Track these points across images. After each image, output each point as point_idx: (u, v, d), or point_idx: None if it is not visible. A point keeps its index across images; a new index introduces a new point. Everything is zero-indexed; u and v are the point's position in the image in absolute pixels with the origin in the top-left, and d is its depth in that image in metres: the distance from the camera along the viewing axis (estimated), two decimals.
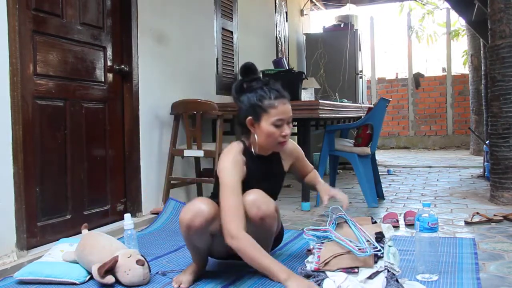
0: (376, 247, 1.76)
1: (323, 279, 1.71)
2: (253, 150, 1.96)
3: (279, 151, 2.04)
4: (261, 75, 1.98)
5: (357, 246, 1.74)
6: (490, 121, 3.59)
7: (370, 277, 1.70)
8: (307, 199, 3.49)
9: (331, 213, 1.95)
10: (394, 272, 1.74)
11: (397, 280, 1.72)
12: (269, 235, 1.97)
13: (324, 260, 1.75)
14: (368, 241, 1.78)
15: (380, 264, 1.74)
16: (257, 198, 1.86)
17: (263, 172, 1.98)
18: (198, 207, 1.80)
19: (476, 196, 3.80)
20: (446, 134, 8.95)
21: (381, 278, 1.70)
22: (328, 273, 1.73)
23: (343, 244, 1.76)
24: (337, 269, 1.72)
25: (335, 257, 1.75)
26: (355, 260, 1.72)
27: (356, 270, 1.71)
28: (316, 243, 1.84)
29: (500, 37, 3.41)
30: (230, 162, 1.87)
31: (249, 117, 1.92)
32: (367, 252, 1.71)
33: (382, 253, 1.77)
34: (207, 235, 1.84)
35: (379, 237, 1.82)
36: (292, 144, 2.14)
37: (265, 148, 1.96)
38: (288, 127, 1.92)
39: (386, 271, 1.73)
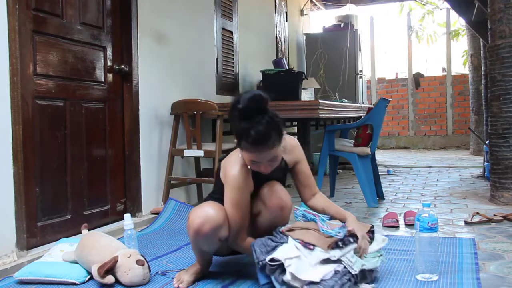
0: (342, 238, 1.77)
1: (282, 243, 1.77)
2: None
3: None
4: (267, 105, 1.78)
5: (328, 228, 1.80)
6: (490, 121, 3.59)
7: (322, 262, 1.72)
8: None
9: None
10: (351, 271, 1.73)
11: (351, 280, 1.72)
12: (282, 225, 1.97)
13: (291, 227, 1.84)
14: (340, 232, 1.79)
15: (335, 253, 1.73)
16: (279, 189, 1.91)
17: (268, 176, 1.91)
18: (207, 212, 1.79)
19: (476, 196, 3.80)
20: (446, 134, 8.95)
21: (330, 268, 1.71)
22: (290, 241, 1.77)
23: (317, 222, 1.83)
24: (297, 239, 1.76)
25: (302, 229, 1.82)
26: (317, 239, 1.76)
27: (311, 247, 1.74)
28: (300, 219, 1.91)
29: (500, 37, 3.41)
30: (240, 179, 1.82)
31: (235, 137, 1.83)
32: (331, 233, 1.77)
33: (344, 245, 1.77)
34: (215, 240, 1.84)
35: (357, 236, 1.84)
36: (293, 142, 2.03)
37: None
38: (268, 163, 1.76)
39: (341, 265, 1.73)
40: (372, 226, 1.97)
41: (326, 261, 1.72)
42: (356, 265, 1.75)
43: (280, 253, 1.71)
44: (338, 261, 1.74)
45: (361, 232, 1.83)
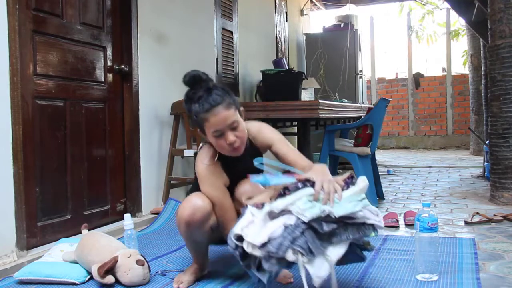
0: (287, 186, 1.58)
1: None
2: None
3: (239, 153, 1.81)
4: (213, 80, 1.82)
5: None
6: (490, 121, 3.59)
7: (272, 219, 1.55)
8: None
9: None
10: (301, 218, 1.50)
11: (307, 232, 1.49)
12: None
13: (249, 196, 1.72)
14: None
15: (278, 204, 1.54)
16: (248, 189, 1.84)
17: (244, 167, 1.84)
18: (195, 202, 1.80)
19: (476, 196, 3.80)
20: (446, 134, 8.95)
21: (278, 224, 1.52)
22: (247, 209, 1.62)
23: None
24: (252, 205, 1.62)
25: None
26: (265, 195, 1.65)
27: (260, 206, 1.59)
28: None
29: (500, 37, 3.42)
30: (208, 169, 1.83)
31: (198, 129, 1.86)
32: (277, 182, 1.61)
33: (288, 191, 1.57)
34: (207, 229, 1.84)
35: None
36: (256, 124, 1.93)
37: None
38: (232, 133, 1.74)
39: (292, 217, 1.52)
40: (352, 174, 1.71)
41: (275, 216, 1.55)
42: (309, 211, 1.50)
43: (238, 226, 1.57)
44: (289, 212, 1.53)
45: (321, 177, 1.61)
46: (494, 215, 2.97)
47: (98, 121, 2.90)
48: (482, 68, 5.09)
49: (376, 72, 9.45)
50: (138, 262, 1.91)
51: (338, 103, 4.24)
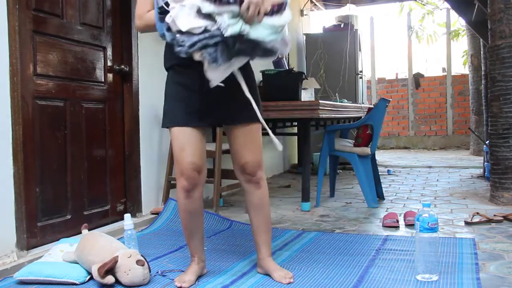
0: None
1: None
2: None
3: None
4: None
5: None
6: (490, 121, 3.59)
7: (199, 16, 1.61)
8: (307, 199, 3.49)
9: None
10: (222, 31, 1.59)
11: (221, 45, 1.59)
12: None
13: None
14: None
15: (208, 6, 1.58)
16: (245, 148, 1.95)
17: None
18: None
19: (476, 196, 3.80)
20: (446, 134, 8.95)
21: (201, 23, 1.59)
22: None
23: None
24: None
25: None
26: None
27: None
28: None
29: (500, 37, 3.42)
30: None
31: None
32: None
33: (219, 1, 1.58)
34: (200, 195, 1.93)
35: None
36: None
37: None
38: None
39: (215, 25, 1.59)
40: (282, 2, 1.71)
41: (203, 15, 1.61)
42: (232, 28, 1.59)
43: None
44: (213, 19, 1.60)
45: None
46: (494, 215, 2.97)
47: (98, 121, 2.90)
48: (482, 68, 5.09)
49: (376, 72, 9.46)
50: (138, 262, 1.91)
51: (338, 103, 4.24)
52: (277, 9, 1.68)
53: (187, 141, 1.85)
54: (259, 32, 1.64)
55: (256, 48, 1.67)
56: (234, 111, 1.89)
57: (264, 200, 1.99)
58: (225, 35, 1.59)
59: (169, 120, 1.89)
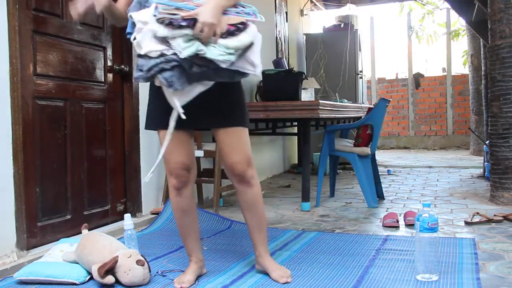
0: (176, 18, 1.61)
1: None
2: None
3: None
4: None
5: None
6: (490, 121, 3.59)
7: (158, 40, 1.62)
8: (307, 199, 3.49)
9: None
10: (178, 53, 1.60)
11: (177, 69, 1.61)
12: None
13: None
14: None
15: (163, 31, 1.60)
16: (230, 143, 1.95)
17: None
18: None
19: (476, 196, 3.80)
20: (446, 134, 8.95)
21: (159, 47, 1.61)
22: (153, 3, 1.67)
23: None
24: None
25: None
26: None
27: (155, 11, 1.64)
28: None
29: (500, 37, 3.42)
30: None
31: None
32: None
33: (172, 25, 1.60)
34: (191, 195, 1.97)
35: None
36: None
37: None
38: None
39: (171, 50, 1.61)
40: (241, 23, 1.70)
41: (159, 39, 1.62)
42: (187, 50, 1.60)
43: (139, 14, 1.66)
44: (168, 44, 1.62)
45: (204, 18, 1.61)
46: (494, 215, 2.97)
47: (98, 121, 2.90)
48: (482, 68, 5.09)
49: (376, 72, 9.45)
50: (138, 262, 1.91)
51: (338, 103, 4.24)
52: (235, 30, 1.68)
53: (175, 143, 1.86)
54: (215, 53, 1.63)
55: (219, 71, 1.67)
56: (218, 116, 1.88)
57: (257, 199, 1.97)
58: (180, 57, 1.60)
59: (155, 123, 1.91)
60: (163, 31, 1.60)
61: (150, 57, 1.62)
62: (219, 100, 1.86)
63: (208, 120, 1.89)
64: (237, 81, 1.87)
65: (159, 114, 1.86)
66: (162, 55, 1.62)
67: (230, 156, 1.90)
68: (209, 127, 1.94)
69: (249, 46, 1.69)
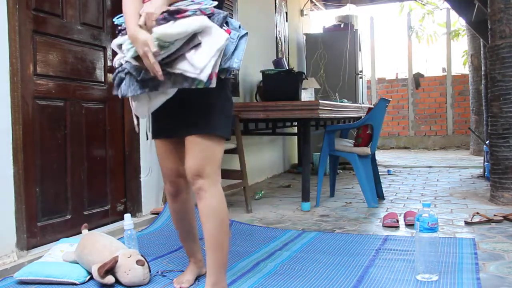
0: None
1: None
2: None
3: None
4: None
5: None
6: (490, 121, 3.59)
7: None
8: (307, 199, 3.49)
9: None
10: (125, 57, 1.62)
11: (128, 76, 1.62)
12: None
13: None
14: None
15: (118, 39, 1.66)
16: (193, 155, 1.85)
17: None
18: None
19: (476, 196, 3.80)
20: (446, 134, 8.95)
21: (120, 56, 1.67)
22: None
23: None
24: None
25: None
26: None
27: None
28: None
29: (500, 37, 3.42)
30: None
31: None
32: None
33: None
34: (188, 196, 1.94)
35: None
36: None
37: None
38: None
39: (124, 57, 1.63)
40: (180, 10, 1.54)
41: (119, 48, 1.66)
42: (130, 51, 1.58)
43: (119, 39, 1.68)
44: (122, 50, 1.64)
45: (146, 8, 1.54)
46: (494, 215, 2.97)
47: (98, 121, 2.90)
48: (482, 68, 5.09)
49: (376, 72, 9.46)
50: (138, 262, 1.91)
51: (338, 103, 4.24)
52: (170, 14, 1.53)
53: (164, 151, 1.85)
54: (157, 42, 1.50)
55: (171, 75, 1.55)
56: (189, 125, 1.72)
57: (208, 215, 1.68)
58: (127, 60, 1.59)
59: (151, 132, 1.89)
60: (118, 39, 1.66)
61: (116, 68, 1.66)
62: (190, 108, 1.72)
63: (179, 130, 1.76)
64: (211, 88, 1.57)
65: (153, 123, 1.87)
66: (120, 64, 1.65)
67: (186, 161, 1.72)
68: (181, 136, 1.76)
69: (188, 39, 1.53)
